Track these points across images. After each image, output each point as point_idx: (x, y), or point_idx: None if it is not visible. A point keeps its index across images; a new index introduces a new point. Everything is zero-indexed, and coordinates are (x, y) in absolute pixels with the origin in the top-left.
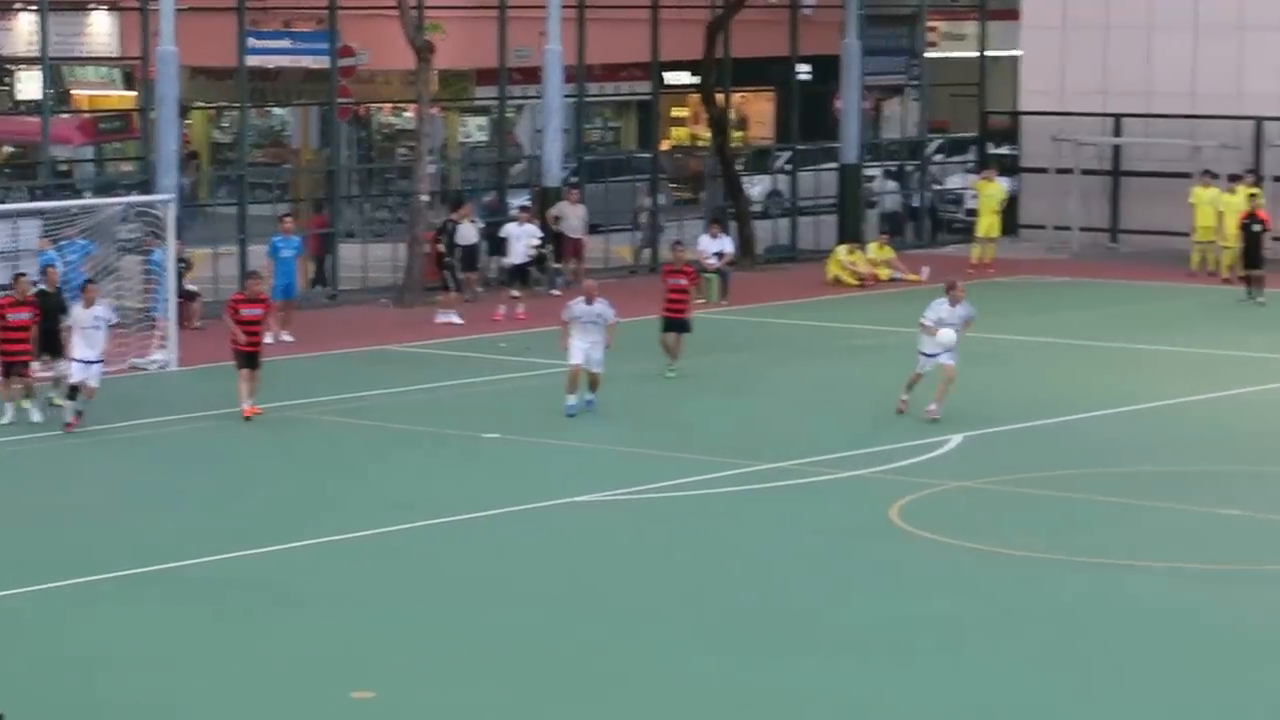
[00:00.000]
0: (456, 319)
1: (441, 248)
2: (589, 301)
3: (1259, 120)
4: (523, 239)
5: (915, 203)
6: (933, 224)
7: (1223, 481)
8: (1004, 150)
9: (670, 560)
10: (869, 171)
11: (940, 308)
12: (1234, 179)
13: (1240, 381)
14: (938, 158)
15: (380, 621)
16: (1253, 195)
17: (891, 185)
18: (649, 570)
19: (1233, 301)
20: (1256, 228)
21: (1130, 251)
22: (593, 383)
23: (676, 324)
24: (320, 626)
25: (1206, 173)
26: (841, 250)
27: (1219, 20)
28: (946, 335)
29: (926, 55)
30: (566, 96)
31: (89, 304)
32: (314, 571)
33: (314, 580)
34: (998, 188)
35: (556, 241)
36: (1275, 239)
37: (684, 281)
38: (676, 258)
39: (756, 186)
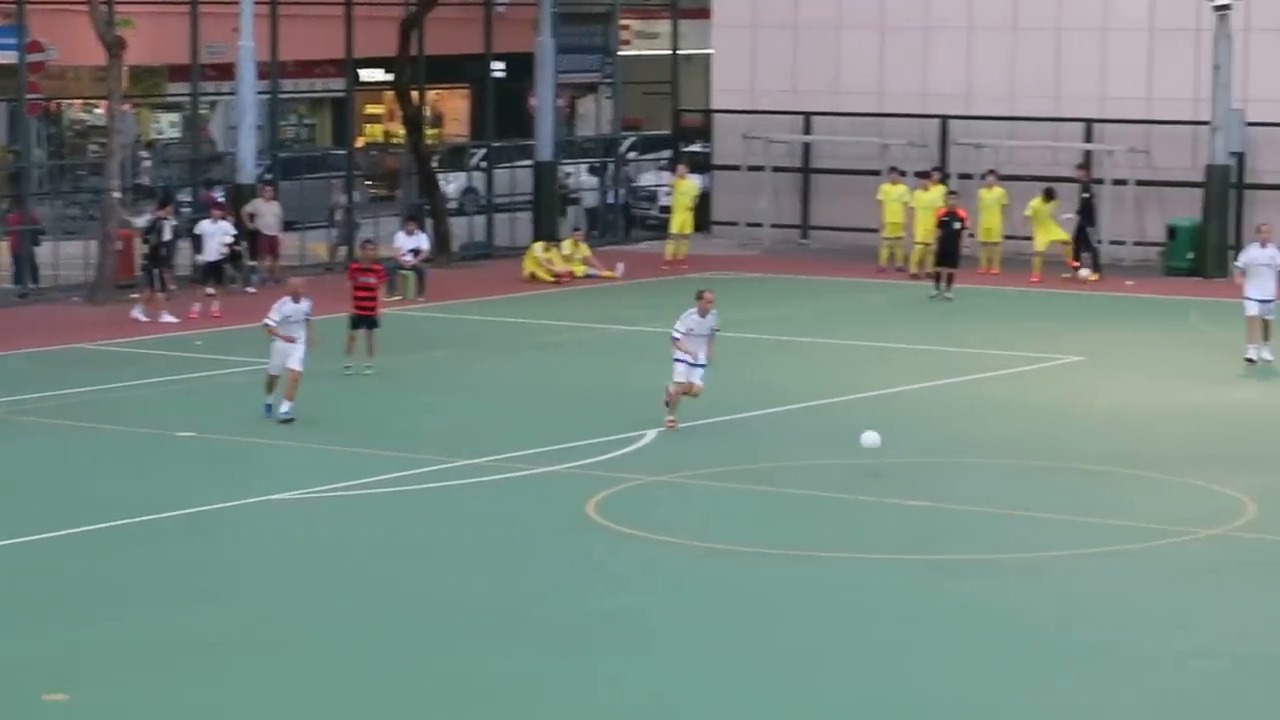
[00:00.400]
0: (170, 317)
1: (149, 245)
2: (296, 300)
3: (944, 119)
4: (216, 236)
5: (610, 200)
6: (627, 221)
7: (914, 472)
8: (696, 148)
9: (367, 557)
10: (571, 169)
11: (689, 319)
12: (921, 176)
13: (933, 374)
14: (631, 155)
15: (73, 624)
16: (953, 193)
17: (594, 182)
18: (347, 567)
19: (922, 297)
20: (956, 225)
21: (820, 248)
22: (292, 383)
23: (364, 321)
24: (11, 629)
25: (894, 170)
26: (537, 247)
27: (905, 21)
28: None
29: (620, 53)
30: (260, 93)
31: None
32: (3, 573)
33: (3, 582)
34: (690, 185)
35: (251, 239)
36: (970, 235)
37: (373, 280)
38: (365, 256)
39: (452, 184)
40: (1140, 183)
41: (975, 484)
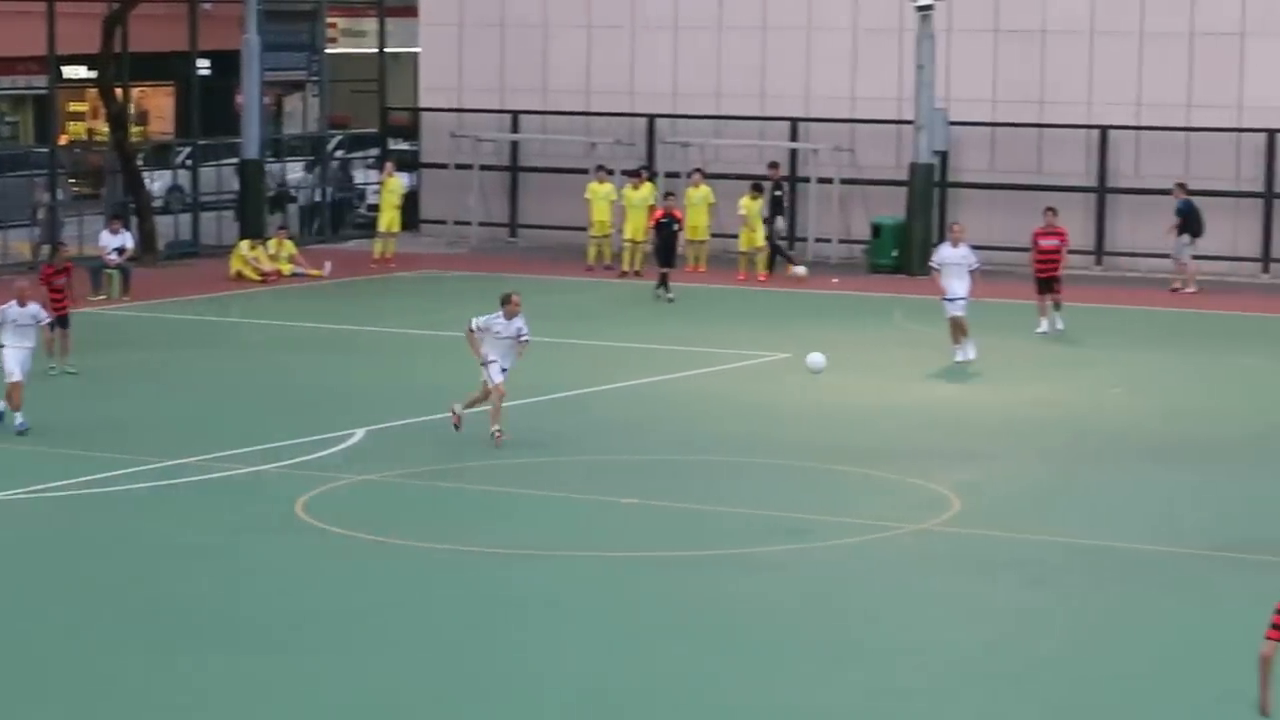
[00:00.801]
0: None
1: None
2: (22, 304)
3: (651, 117)
4: None
5: (318, 198)
6: (334, 219)
7: (628, 470)
8: (404, 146)
9: (69, 558)
10: (282, 166)
11: (495, 321)
12: (630, 175)
13: (641, 373)
14: (339, 153)
15: None
16: (670, 195)
17: (310, 180)
18: (46, 568)
19: (631, 295)
20: (675, 227)
21: (529, 246)
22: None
23: (59, 321)
24: None
25: (601, 168)
26: (244, 245)
27: (612, 20)
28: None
29: (327, 51)
30: None
31: None
32: None
33: None
34: (398, 183)
35: None
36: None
37: (62, 280)
38: (57, 259)
39: (157, 182)
40: (845, 181)
41: (688, 481)
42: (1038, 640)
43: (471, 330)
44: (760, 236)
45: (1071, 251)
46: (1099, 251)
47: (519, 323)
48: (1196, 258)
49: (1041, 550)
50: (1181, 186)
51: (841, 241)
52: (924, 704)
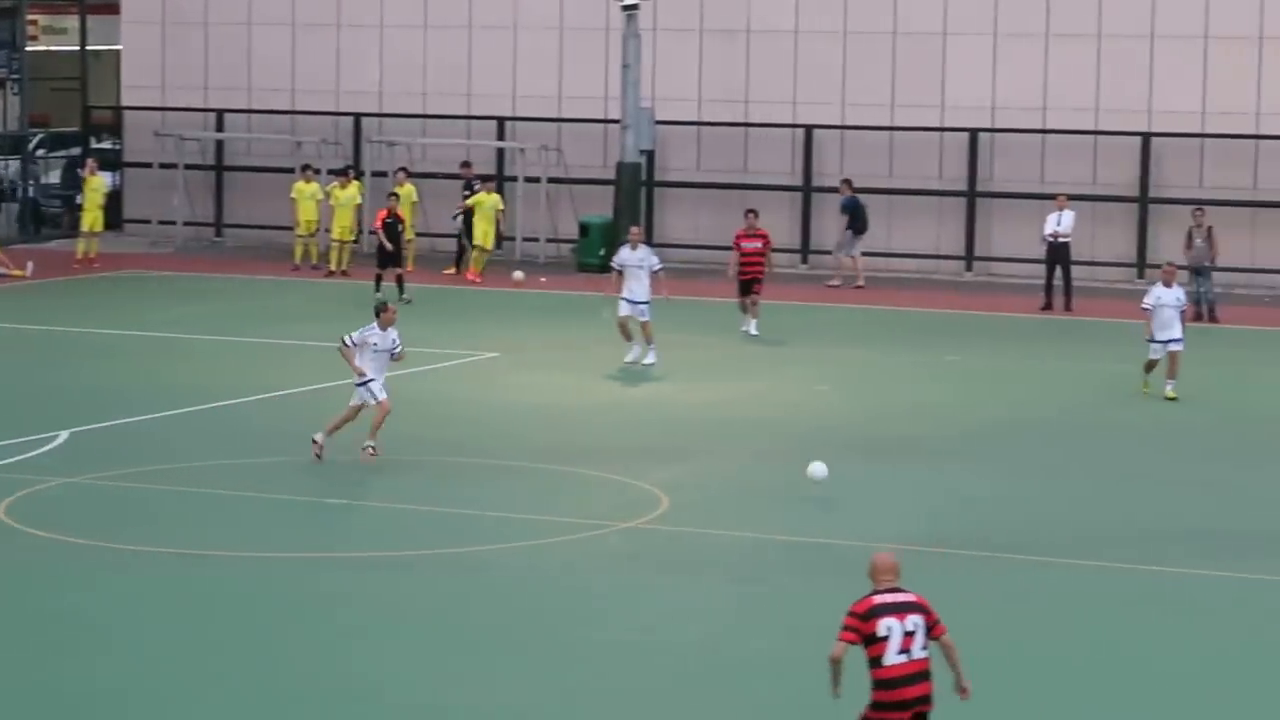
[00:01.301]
0: None
1: None
2: None
3: (358, 116)
4: None
5: (19, 197)
6: (36, 218)
7: (339, 470)
8: (107, 145)
9: None
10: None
11: (371, 333)
12: (337, 174)
13: (349, 372)
14: (40, 152)
15: None
16: (393, 195)
17: (9, 178)
18: None
19: (337, 295)
20: (400, 227)
21: (235, 246)
22: None
23: None
24: None
25: (307, 168)
26: None
27: (317, 18)
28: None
29: (28, 49)
30: None
31: None
32: None
33: None
34: (101, 182)
35: None
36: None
37: None
38: None
39: None
40: (552, 180)
41: (398, 480)
42: (747, 638)
43: (347, 345)
44: (490, 236)
45: (777, 250)
46: (804, 250)
47: (394, 333)
48: (865, 254)
49: (750, 547)
50: (847, 183)
51: (549, 241)
52: (634, 702)
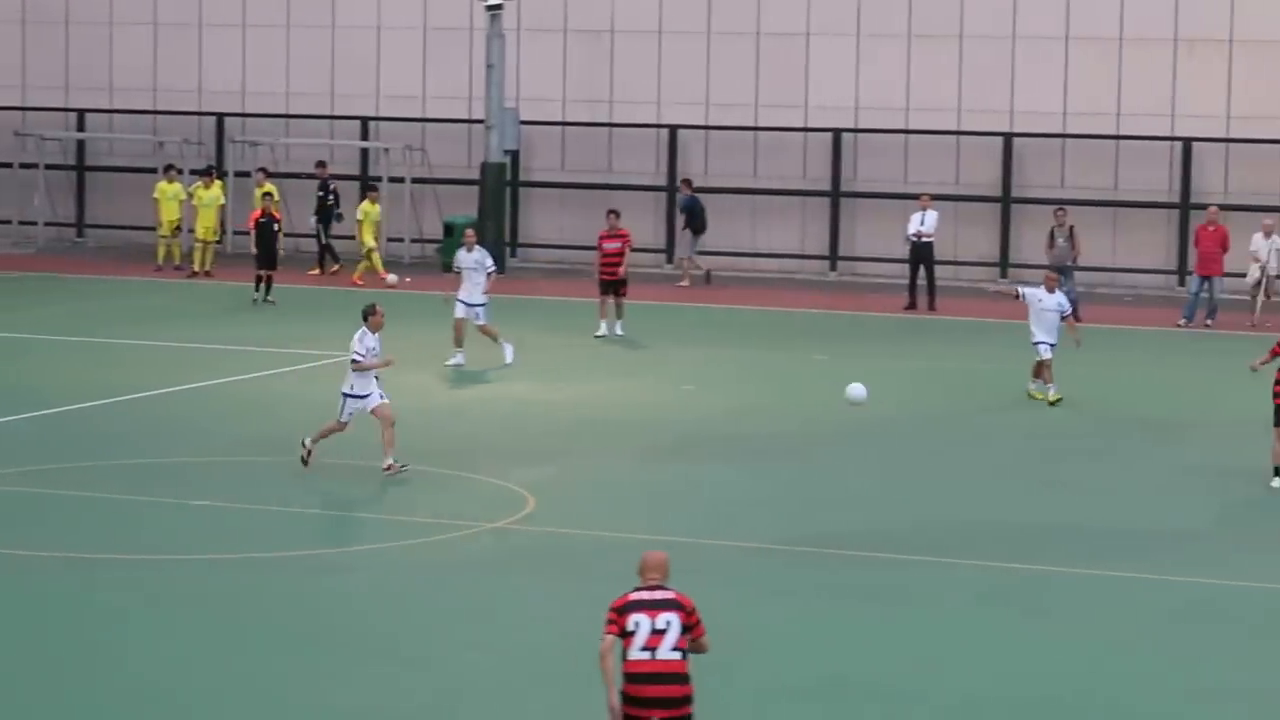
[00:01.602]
0: None
1: None
2: None
3: (220, 116)
4: None
5: None
6: None
7: (196, 472)
8: None
9: None
10: None
11: (368, 338)
12: (200, 174)
13: (204, 374)
14: None
15: None
16: (268, 194)
17: None
18: None
19: (201, 295)
20: (276, 227)
21: (97, 246)
22: None
23: None
24: None
25: (170, 168)
26: None
27: (179, 18)
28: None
29: None
30: None
31: None
32: None
33: None
34: None
35: None
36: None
37: None
38: None
39: None
40: (417, 180)
41: (261, 482)
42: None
43: (361, 359)
44: (370, 238)
45: (642, 250)
46: (669, 250)
47: (372, 341)
48: (701, 253)
49: (615, 546)
50: (687, 183)
51: (414, 241)
52: (497, 703)
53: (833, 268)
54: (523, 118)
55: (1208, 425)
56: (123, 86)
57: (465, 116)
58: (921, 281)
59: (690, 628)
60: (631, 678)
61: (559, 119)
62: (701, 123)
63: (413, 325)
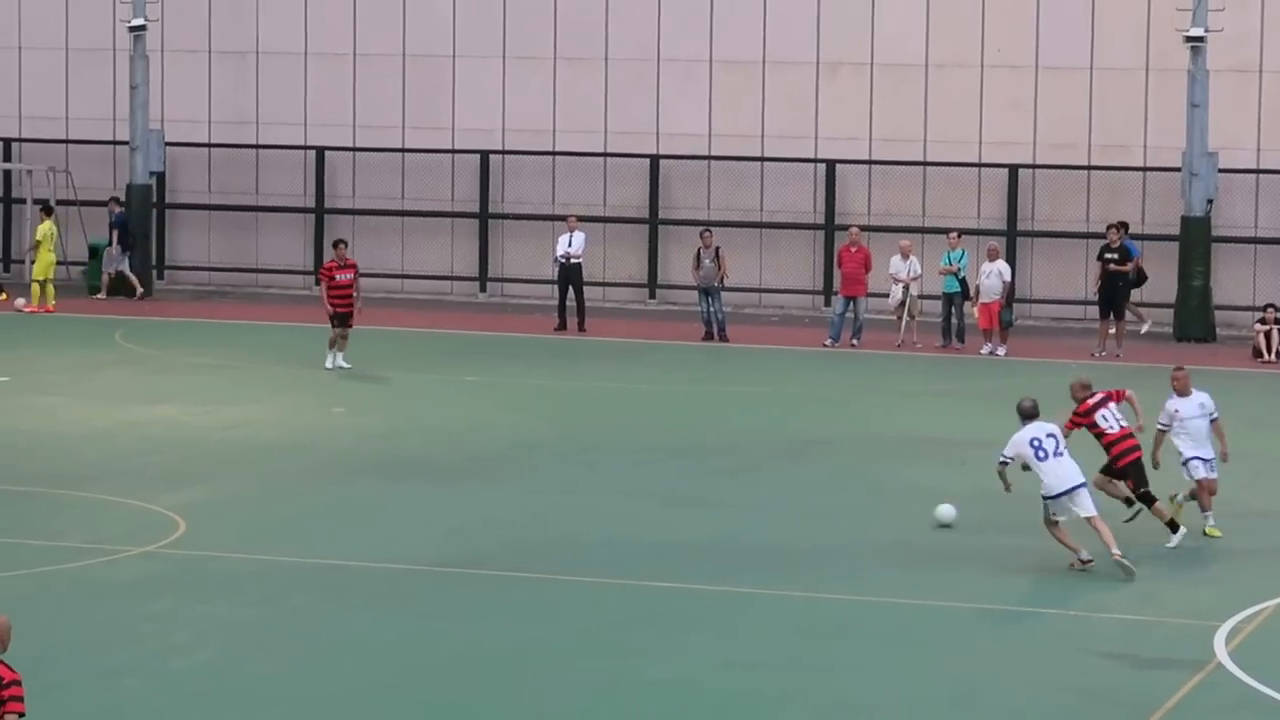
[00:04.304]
0: None
1: None
2: None
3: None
4: None
5: None
6: None
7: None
8: None
9: None
10: None
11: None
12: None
13: None
14: None
15: None
16: None
17: None
18: None
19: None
20: None
21: None
22: None
23: None
24: None
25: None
26: None
27: None
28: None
29: None
30: None
31: None
32: None
33: None
34: None
35: None
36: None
37: None
38: None
39: None
40: (61, 202)
41: None
42: (259, 658)
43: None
44: (47, 264)
45: (291, 272)
46: (316, 272)
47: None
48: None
49: (269, 569)
50: (115, 200)
51: (59, 264)
52: None
53: (482, 289)
54: (168, 139)
55: (852, 442)
56: None
57: (110, 138)
58: (571, 302)
59: (1, 703)
60: None
61: (205, 140)
62: (348, 145)
63: (60, 347)
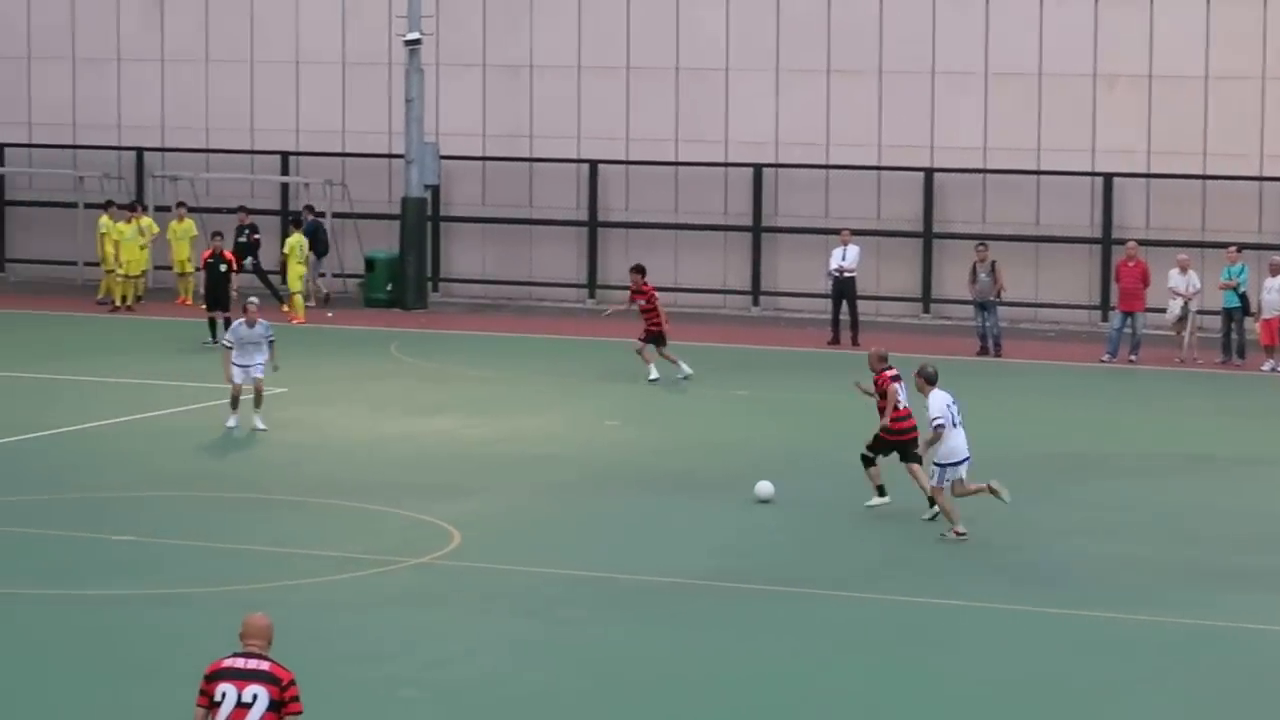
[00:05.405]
0: None
1: None
2: None
3: (140, 150)
4: None
5: None
6: None
7: (119, 506)
8: None
9: None
10: None
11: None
12: (124, 209)
13: (127, 408)
14: None
15: None
16: (217, 235)
17: None
18: None
19: (123, 328)
20: (223, 268)
21: (17, 280)
22: None
23: None
24: None
25: (110, 204)
26: None
27: (96, 54)
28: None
29: None
30: None
31: None
32: None
33: None
34: None
35: None
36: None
37: None
38: None
39: None
40: (337, 215)
41: (188, 516)
42: (532, 671)
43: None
44: (298, 276)
45: (564, 285)
46: (591, 285)
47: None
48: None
49: (542, 582)
50: (309, 209)
51: (336, 276)
52: None
53: (755, 303)
54: (443, 152)
55: (1128, 459)
56: (41, 121)
57: (386, 151)
58: (844, 316)
59: (282, 704)
60: None
61: (479, 153)
62: (622, 157)
63: (337, 359)
